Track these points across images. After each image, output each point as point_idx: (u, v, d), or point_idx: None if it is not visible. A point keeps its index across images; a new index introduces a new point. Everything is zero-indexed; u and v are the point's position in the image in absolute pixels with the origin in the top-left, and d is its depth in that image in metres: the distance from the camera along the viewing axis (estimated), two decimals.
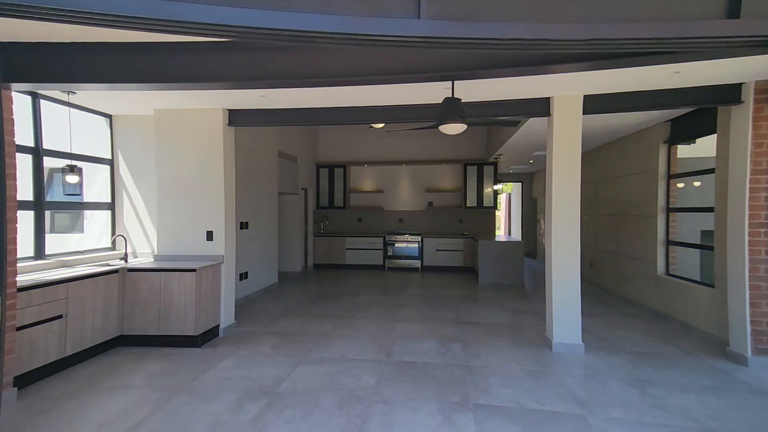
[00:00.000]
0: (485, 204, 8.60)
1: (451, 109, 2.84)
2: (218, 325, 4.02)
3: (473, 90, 3.32)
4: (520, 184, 11.31)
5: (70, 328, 3.11)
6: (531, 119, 4.62)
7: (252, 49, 2.45)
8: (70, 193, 3.38)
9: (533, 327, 4.49)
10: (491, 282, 7.13)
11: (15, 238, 2.59)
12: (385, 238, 8.62)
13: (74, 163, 3.43)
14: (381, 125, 5.56)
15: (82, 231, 4.26)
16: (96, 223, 4.23)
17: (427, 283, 7.16)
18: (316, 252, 8.86)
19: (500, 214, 11.43)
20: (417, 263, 8.51)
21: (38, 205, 3.40)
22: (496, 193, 8.53)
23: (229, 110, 4.08)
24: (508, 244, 7.16)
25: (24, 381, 2.76)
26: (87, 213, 4.24)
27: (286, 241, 7.96)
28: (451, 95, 2.98)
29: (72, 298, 3.11)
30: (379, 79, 2.52)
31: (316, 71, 2.47)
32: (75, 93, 3.47)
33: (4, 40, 2.40)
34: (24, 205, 3.30)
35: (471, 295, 6.18)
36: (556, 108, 3.64)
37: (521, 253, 7.11)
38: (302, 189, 8.47)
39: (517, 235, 11.62)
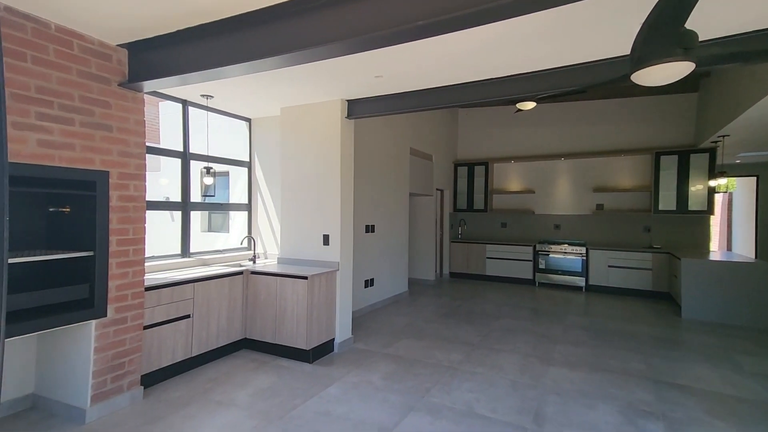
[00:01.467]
0: (692, 207, 6.08)
1: (664, 29, 1.55)
2: (333, 339, 3.64)
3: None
4: (755, 178, 7.80)
5: (196, 328, 3.15)
6: None
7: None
8: (207, 194, 3.50)
9: None
10: (705, 318, 4.85)
11: (143, 238, 2.64)
12: (535, 247, 7.10)
13: (210, 165, 3.55)
14: (531, 106, 4.32)
15: (228, 231, 4.57)
16: (238, 223, 4.49)
17: (595, 309, 5.40)
18: (452, 259, 8.00)
19: (714, 221, 8.12)
20: (580, 281, 6.67)
21: (185, 205, 3.65)
22: (712, 191, 5.93)
23: (348, 101, 3.67)
24: (739, 266, 4.73)
25: (151, 380, 2.84)
26: (231, 214, 4.52)
27: (419, 247, 7.38)
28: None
29: (198, 299, 3.16)
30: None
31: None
32: (212, 97, 3.61)
33: (130, 40, 2.43)
34: (172, 206, 3.59)
35: (670, 336, 4.24)
36: None
37: (766, 280, 4.59)
38: (437, 190, 7.76)
39: (743, 250, 8.08)
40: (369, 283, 5.19)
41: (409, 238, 7.37)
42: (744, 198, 8.30)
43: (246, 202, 4.44)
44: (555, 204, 7.48)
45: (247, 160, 4.44)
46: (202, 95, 3.54)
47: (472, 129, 8.35)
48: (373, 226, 5.25)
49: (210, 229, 4.76)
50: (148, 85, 2.53)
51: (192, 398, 2.76)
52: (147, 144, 2.76)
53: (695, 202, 6.06)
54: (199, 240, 4.66)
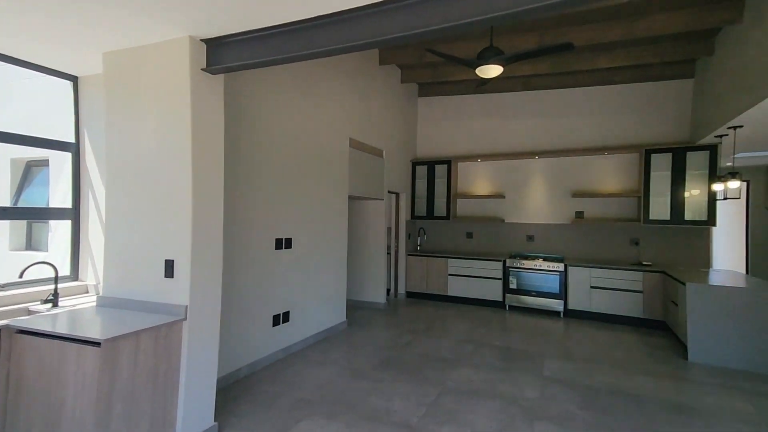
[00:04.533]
0: (689, 216, 5.04)
1: None
2: None
3: None
4: (745, 184, 6.96)
5: None
6: None
7: None
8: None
9: None
10: (718, 363, 3.73)
11: None
12: (505, 262, 5.89)
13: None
14: (496, 71, 3.05)
15: (47, 249, 3.02)
16: (60, 237, 2.94)
17: (579, 347, 4.19)
18: (409, 275, 6.68)
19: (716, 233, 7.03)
20: (558, 304, 5.50)
21: None
22: (713, 197, 4.90)
23: (206, 43, 2.25)
24: (761, 294, 3.64)
25: None
26: (52, 224, 2.97)
27: (367, 263, 6.00)
28: None
29: None
30: None
31: None
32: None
33: None
34: None
35: (685, 397, 3.04)
36: None
37: None
38: (391, 193, 6.43)
39: (734, 266, 7.23)
40: (280, 319, 3.75)
41: (352, 252, 5.99)
42: (729, 206, 7.48)
43: (70, 205, 2.90)
44: (528, 211, 6.32)
45: (73, 141, 2.91)
46: None
47: (432, 121, 7.10)
48: (288, 240, 3.83)
49: (30, 246, 3.18)
50: None
51: None
52: None
53: (693, 211, 5.02)
54: (6, 263, 3.09)
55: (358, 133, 5.20)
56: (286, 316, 3.83)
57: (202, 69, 2.23)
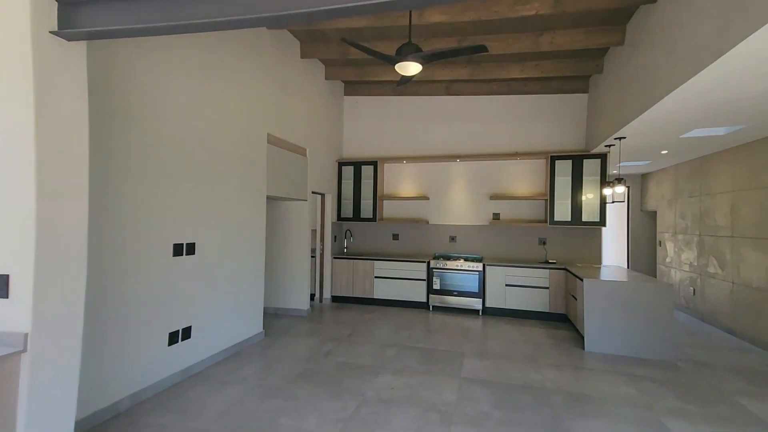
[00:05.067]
0: (585, 218, 5.60)
1: None
2: None
3: None
4: (626, 189, 8.01)
5: None
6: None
7: None
8: None
9: None
10: (609, 351, 4.16)
11: None
12: (429, 263, 5.99)
13: None
14: (415, 69, 3.01)
15: None
16: None
17: (495, 345, 4.38)
18: (334, 279, 6.46)
19: (607, 233, 7.95)
20: (477, 303, 5.74)
21: None
22: (604, 201, 5.51)
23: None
24: (643, 288, 4.15)
25: None
26: None
27: (289, 267, 5.65)
28: None
29: None
30: None
31: None
32: None
33: None
34: None
35: (584, 387, 3.30)
36: None
37: (669, 304, 4.06)
38: (315, 194, 6.16)
39: (617, 260, 8.29)
40: (179, 336, 3.27)
41: (273, 256, 5.60)
42: (615, 208, 8.56)
43: None
44: (451, 213, 6.52)
45: None
46: None
47: (359, 120, 6.98)
48: (190, 246, 3.37)
49: None
50: None
51: None
52: None
53: (588, 213, 5.59)
54: None
55: (278, 129, 4.85)
56: (186, 332, 3.36)
57: (51, 32, 1.78)
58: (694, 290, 5.97)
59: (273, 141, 4.74)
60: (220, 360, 3.75)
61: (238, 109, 4.05)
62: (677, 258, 6.60)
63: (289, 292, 5.65)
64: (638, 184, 8.12)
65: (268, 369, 3.58)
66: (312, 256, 6.45)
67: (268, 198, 5.07)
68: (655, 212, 7.59)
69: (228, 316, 3.91)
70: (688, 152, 5.51)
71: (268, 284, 5.65)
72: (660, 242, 7.29)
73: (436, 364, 3.76)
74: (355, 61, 5.63)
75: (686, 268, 6.27)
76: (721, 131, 4.27)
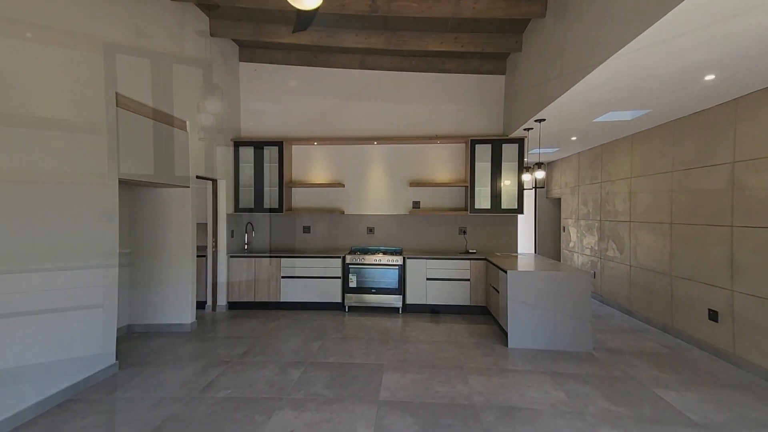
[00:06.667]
0: (505, 206, 5.43)
1: None
2: None
3: None
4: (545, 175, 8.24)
5: None
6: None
7: None
8: None
9: None
10: (532, 346, 3.96)
11: None
12: (345, 259, 5.29)
13: None
14: (314, 5, 2.19)
15: None
16: None
17: (415, 349, 3.87)
18: (232, 282, 5.38)
19: (524, 221, 8.07)
20: (397, 300, 5.23)
21: None
22: (521, 188, 5.37)
23: None
24: (563, 278, 3.99)
25: None
26: None
27: (165, 271, 4.44)
28: None
29: None
30: None
31: None
32: None
33: None
34: None
35: (509, 395, 2.94)
36: None
37: (588, 293, 3.97)
38: (202, 178, 4.96)
39: (527, 247, 8.60)
40: None
41: (142, 258, 4.35)
42: (524, 195, 8.86)
43: None
44: (368, 202, 5.88)
45: None
46: None
47: (260, 93, 5.88)
48: None
49: None
50: None
51: None
52: None
53: (507, 200, 5.43)
54: None
55: (135, 89, 3.60)
56: None
57: None
58: (594, 273, 6.29)
59: (128, 105, 3.50)
60: (33, 417, 2.56)
61: (55, 55, 2.78)
62: (579, 243, 6.93)
63: (165, 303, 4.45)
64: (548, 172, 8.44)
65: (110, 424, 2.53)
66: (201, 256, 5.27)
67: (127, 182, 3.82)
68: (560, 199, 7.95)
69: (47, 354, 2.70)
70: (595, 138, 5.66)
71: (134, 296, 4.38)
72: (564, 228, 7.65)
73: (349, 386, 3.09)
74: (247, 13, 4.56)
75: (588, 252, 6.60)
76: (627, 116, 4.30)
